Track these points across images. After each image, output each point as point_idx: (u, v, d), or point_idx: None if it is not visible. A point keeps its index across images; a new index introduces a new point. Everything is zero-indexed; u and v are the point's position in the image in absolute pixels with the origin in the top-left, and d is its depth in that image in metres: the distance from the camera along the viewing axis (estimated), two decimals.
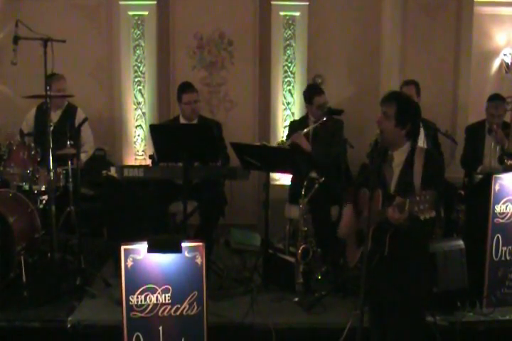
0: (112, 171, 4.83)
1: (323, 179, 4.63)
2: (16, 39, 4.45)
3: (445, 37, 6.31)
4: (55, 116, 5.43)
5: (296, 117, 6.23)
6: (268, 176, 4.84)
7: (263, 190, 4.88)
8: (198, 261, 3.43)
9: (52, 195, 4.55)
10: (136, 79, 6.41)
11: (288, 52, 6.40)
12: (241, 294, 4.58)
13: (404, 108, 3.28)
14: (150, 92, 6.42)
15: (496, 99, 5.49)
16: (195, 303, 3.44)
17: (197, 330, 3.46)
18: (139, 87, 6.43)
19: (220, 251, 5.28)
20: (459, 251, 4.24)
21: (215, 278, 4.77)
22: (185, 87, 5.19)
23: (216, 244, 5.38)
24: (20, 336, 4.02)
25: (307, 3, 6.32)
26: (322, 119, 5.14)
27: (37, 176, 4.75)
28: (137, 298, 3.38)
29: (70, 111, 5.59)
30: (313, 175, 4.73)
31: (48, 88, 4.55)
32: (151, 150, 5.63)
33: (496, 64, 6.57)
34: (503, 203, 4.34)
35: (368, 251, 3.06)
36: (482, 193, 4.43)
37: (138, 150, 6.50)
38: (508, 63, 6.48)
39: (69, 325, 4.02)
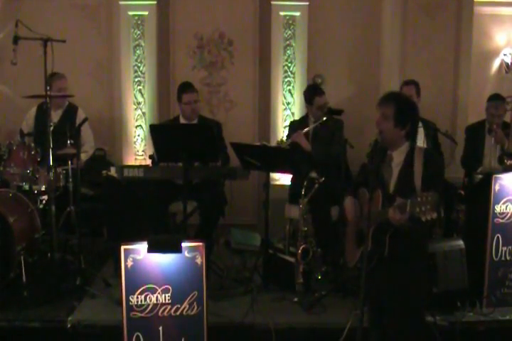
0: (112, 171, 4.82)
1: (323, 179, 4.63)
2: (16, 39, 4.45)
3: (445, 37, 6.31)
4: (55, 115, 5.43)
5: (296, 117, 6.23)
6: (268, 176, 4.84)
7: (263, 190, 4.88)
8: (198, 261, 3.43)
9: (52, 195, 4.55)
10: (136, 79, 6.40)
11: (288, 52, 6.40)
12: (241, 294, 4.59)
13: (402, 108, 3.29)
14: (150, 92, 6.42)
15: (496, 99, 5.49)
16: (195, 303, 3.44)
17: (197, 330, 3.47)
18: (139, 87, 6.42)
19: (220, 251, 5.28)
20: (459, 251, 4.24)
21: (215, 278, 4.77)
22: (185, 87, 5.19)
23: (216, 244, 5.38)
24: (21, 336, 4.02)
25: (307, 3, 6.32)
26: (322, 119, 5.14)
27: (37, 176, 4.73)
28: (137, 298, 3.39)
29: (70, 111, 5.58)
30: (313, 175, 4.73)
31: (48, 88, 4.55)
32: (151, 150, 5.63)
33: (495, 64, 6.57)
34: (503, 203, 4.34)
35: (368, 251, 3.06)
36: (482, 193, 4.43)
37: (138, 150, 6.50)
38: (508, 63, 6.49)
39: (69, 325, 4.02)
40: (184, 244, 3.40)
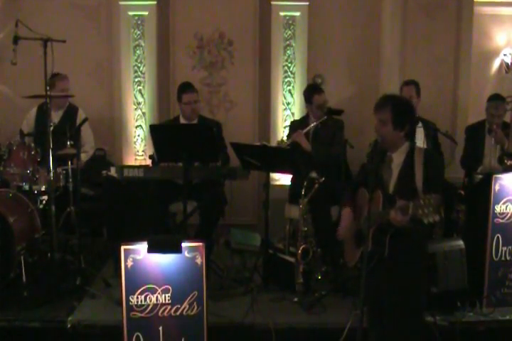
0: (112, 171, 4.82)
1: (323, 179, 4.63)
2: (16, 39, 4.44)
3: (445, 37, 6.30)
4: (56, 116, 5.43)
5: (296, 117, 6.23)
6: (268, 176, 4.84)
7: (263, 190, 4.88)
8: (198, 261, 3.43)
9: (52, 195, 4.55)
10: (136, 80, 6.40)
11: (288, 52, 6.39)
12: (241, 294, 4.59)
13: (399, 111, 3.30)
14: (150, 92, 6.42)
15: (496, 99, 5.49)
16: (195, 303, 3.44)
17: (197, 330, 3.46)
18: (139, 87, 6.42)
19: (220, 251, 5.28)
20: (459, 251, 4.24)
21: (215, 278, 4.77)
22: (186, 87, 5.19)
23: (216, 244, 5.38)
24: (21, 336, 4.02)
25: (307, 4, 6.32)
26: (322, 119, 5.15)
27: (37, 176, 4.73)
28: (137, 298, 3.39)
29: (71, 112, 5.58)
30: (314, 175, 4.73)
31: (48, 88, 4.55)
32: (151, 151, 5.63)
33: (496, 64, 6.57)
34: (503, 203, 4.34)
35: (368, 252, 3.06)
36: (482, 193, 4.43)
37: (138, 150, 6.50)
38: (508, 63, 6.48)
39: (69, 325, 4.02)
40: (184, 244, 3.40)
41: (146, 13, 6.31)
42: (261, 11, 6.31)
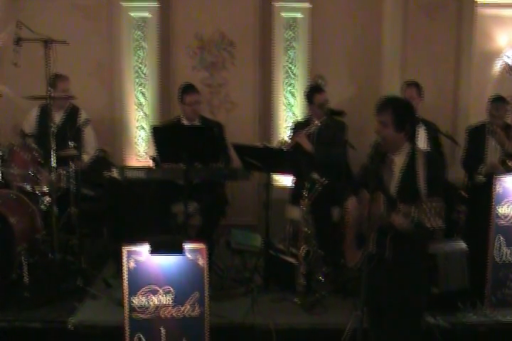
0: (114, 172, 4.82)
1: (325, 180, 4.63)
2: (18, 40, 4.44)
3: (446, 38, 6.31)
4: (57, 117, 5.41)
5: (298, 119, 6.23)
6: (269, 177, 4.84)
7: (264, 191, 4.88)
8: (200, 262, 3.44)
9: (54, 196, 4.55)
10: (138, 81, 6.40)
11: (289, 53, 6.39)
12: (241, 295, 4.60)
13: (400, 112, 3.30)
14: (151, 93, 6.42)
15: (497, 100, 5.48)
16: (196, 304, 3.45)
17: (198, 331, 3.48)
18: (140, 88, 6.42)
19: (221, 252, 5.28)
20: (460, 252, 4.25)
21: (215, 279, 4.77)
22: (187, 88, 5.20)
23: (217, 244, 5.37)
24: (21, 337, 4.03)
25: (309, 5, 6.32)
26: (322, 119, 5.16)
27: (38, 177, 4.74)
28: (139, 299, 3.39)
29: (72, 113, 5.57)
30: (315, 176, 4.73)
31: (50, 89, 4.55)
32: (152, 152, 5.63)
33: (497, 65, 6.56)
34: (506, 205, 4.34)
35: (367, 252, 3.06)
36: (484, 194, 4.43)
37: (140, 151, 6.50)
38: (510, 65, 6.47)
39: (70, 326, 4.03)
40: (186, 246, 3.40)
41: (147, 14, 6.31)
42: (262, 11, 6.31)
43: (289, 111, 6.46)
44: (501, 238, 4.35)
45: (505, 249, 4.37)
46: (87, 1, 6.40)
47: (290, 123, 6.11)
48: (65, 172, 4.93)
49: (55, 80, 5.09)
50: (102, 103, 6.46)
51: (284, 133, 6.37)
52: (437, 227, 2.84)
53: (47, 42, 4.41)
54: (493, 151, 5.43)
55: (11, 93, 6.26)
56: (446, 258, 4.16)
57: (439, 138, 5.41)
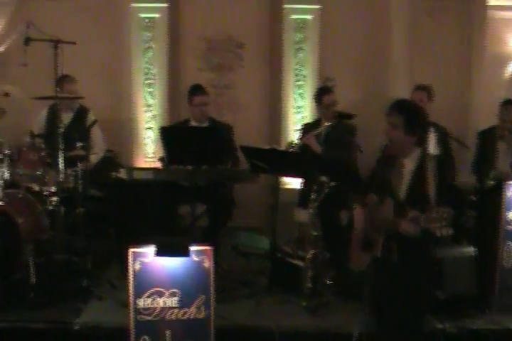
0: (122, 173, 4.81)
1: (333, 183, 4.60)
2: (27, 41, 4.45)
3: (456, 40, 6.28)
4: (66, 117, 5.41)
5: (308, 121, 6.20)
6: (277, 179, 4.82)
7: (271, 193, 4.86)
8: (206, 264, 3.41)
9: (61, 197, 4.54)
10: (147, 82, 6.40)
11: (299, 55, 6.37)
12: (246, 297, 4.57)
13: (411, 116, 3.27)
14: (160, 94, 6.41)
15: (508, 104, 5.44)
16: (202, 307, 3.43)
17: (204, 334, 3.45)
18: (149, 89, 6.42)
19: (226, 254, 5.26)
20: (469, 257, 4.21)
21: (220, 281, 4.75)
22: (196, 90, 5.20)
23: (222, 246, 5.35)
24: (26, 337, 4.01)
25: (319, 7, 6.29)
26: (333, 122, 5.13)
27: (46, 177, 4.74)
28: (144, 301, 3.38)
29: (81, 113, 5.59)
30: (323, 179, 4.70)
31: (58, 89, 4.56)
32: (161, 153, 5.61)
33: (510, 68, 6.51)
34: None
35: (374, 257, 3.05)
36: (494, 199, 4.39)
37: (148, 152, 6.49)
38: None
39: (75, 327, 4.01)
40: (192, 248, 3.38)
41: (156, 15, 6.31)
42: (272, 13, 6.30)
43: (298, 113, 6.43)
44: (510, 244, 4.31)
45: None
46: (95, 2, 6.41)
47: (299, 125, 6.10)
48: (72, 172, 4.94)
49: (62, 81, 5.10)
50: (110, 104, 6.47)
51: (293, 135, 6.35)
52: (445, 234, 2.81)
53: (56, 43, 4.41)
54: (503, 156, 5.38)
55: (19, 93, 6.27)
56: (454, 264, 4.13)
57: (448, 142, 5.37)
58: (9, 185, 4.78)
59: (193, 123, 5.22)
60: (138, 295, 3.37)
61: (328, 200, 4.64)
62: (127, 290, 3.37)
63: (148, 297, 3.37)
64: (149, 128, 6.48)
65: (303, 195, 5.14)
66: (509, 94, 6.09)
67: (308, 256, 4.52)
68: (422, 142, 3.40)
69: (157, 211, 4.95)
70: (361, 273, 3.50)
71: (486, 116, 6.02)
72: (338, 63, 6.47)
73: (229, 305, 4.36)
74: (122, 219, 5.29)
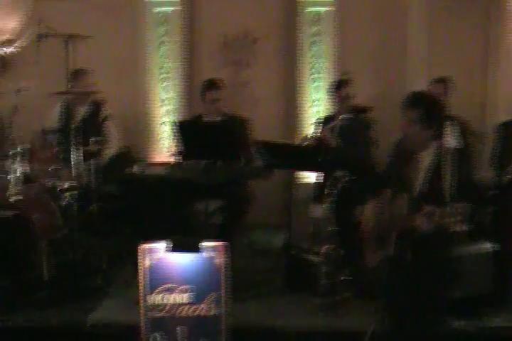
0: (136, 169, 4.80)
1: (348, 178, 4.54)
2: (41, 36, 4.45)
3: (474, 34, 6.18)
4: (80, 112, 5.42)
5: (324, 115, 6.15)
6: (292, 175, 4.78)
7: (287, 189, 4.82)
8: (218, 261, 3.40)
9: (75, 193, 4.54)
10: (162, 76, 6.38)
11: (314, 48, 6.30)
12: (261, 295, 4.53)
13: (429, 110, 3.21)
14: (175, 89, 6.39)
15: None
16: (214, 304, 3.41)
17: (216, 331, 3.44)
18: (164, 84, 6.40)
19: (241, 251, 5.22)
20: (486, 254, 4.14)
21: (234, 279, 4.71)
22: (210, 85, 5.16)
23: (237, 243, 5.32)
24: (39, 336, 4.01)
25: None
26: (348, 116, 5.07)
27: (60, 173, 4.73)
28: (156, 297, 3.36)
29: (95, 108, 5.57)
30: (338, 174, 4.65)
31: (72, 84, 4.55)
32: (176, 148, 5.60)
33: None
34: None
35: (388, 254, 3.01)
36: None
37: (163, 147, 6.47)
38: None
39: (88, 325, 4.01)
40: (204, 244, 3.36)
41: (171, 9, 6.28)
42: (287, 7, 6.24)
43: (314, 106, 6.37)
44: None
45: None
46: None
47: (315, 119, 6.04)
48: (87, 168, 4.93)
49: (75, 75, 5.09)
50: (125, 99, 6.42)
51: (309, 129, 6.29)
52: (459, 230, 2.76)
53: (68, 39, 4.41)
54: None
55: (33, 89, 6.28)
56: (471, 261, 4.06)
57: (466, 136, 5.29)
58: (23, 181, 4.79)
59: (207, 119, 5.19)
60: (149, 291, 3.36)
61: (343, 195, 4.59)
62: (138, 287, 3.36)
63: (159, 293, 3.36)
64: (165, 122, 6.45)
65: (318, 191, 5.09)
66: None
67: (323, 250, 4.47)
68: (439, 136, 3.34)
69: (171, 207, 4.93)
70: (374, 270, 3.45)
71: (505, 110, 5.93)
72: (354, 56, 6.39)
73: (244, 304, 4.30)
74: (137, 216, 5.28)
